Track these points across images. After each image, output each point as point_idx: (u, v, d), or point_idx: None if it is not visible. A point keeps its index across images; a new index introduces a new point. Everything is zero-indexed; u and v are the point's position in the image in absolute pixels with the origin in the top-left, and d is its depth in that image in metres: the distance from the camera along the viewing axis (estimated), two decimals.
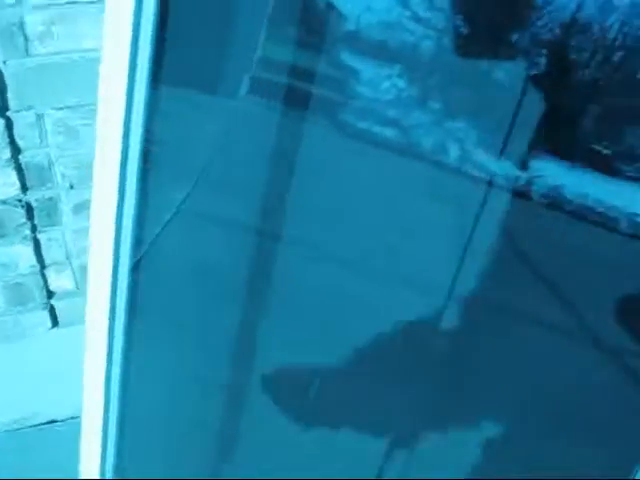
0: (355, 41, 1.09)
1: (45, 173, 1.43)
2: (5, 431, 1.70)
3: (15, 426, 1.70)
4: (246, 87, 1.15)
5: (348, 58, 1.10)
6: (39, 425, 1.78)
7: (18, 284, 1.57)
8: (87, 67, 1.31)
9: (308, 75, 1.13)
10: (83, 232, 1.52)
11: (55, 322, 1.70)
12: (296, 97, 1.14)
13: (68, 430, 1.75)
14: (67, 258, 1.58)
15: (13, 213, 1.45)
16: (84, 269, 1.59)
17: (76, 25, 1.30)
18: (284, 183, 1.14)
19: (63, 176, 1.44)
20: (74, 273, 1.62)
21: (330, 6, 1.11)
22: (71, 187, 1.45)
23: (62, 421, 1.78)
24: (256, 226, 1.16)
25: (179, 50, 1.02)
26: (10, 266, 1.53)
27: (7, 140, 1.35)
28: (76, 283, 1.64)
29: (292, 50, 1.13)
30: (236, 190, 1.13)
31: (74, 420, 1.73)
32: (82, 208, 1.48)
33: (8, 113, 1.33)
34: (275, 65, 1.15)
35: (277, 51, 1.16)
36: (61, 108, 1.37)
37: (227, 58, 1.14)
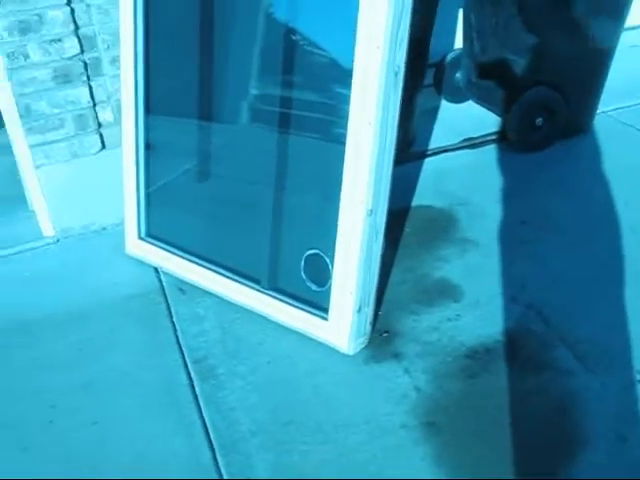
0: None
1: (92, 40, 2.54)
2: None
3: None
4: None
5: None
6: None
7: (81, 115, 2.68)
8: None
9: None
10: (116, 78, 2.61)
11: (103, 146, 2.80)
12: None
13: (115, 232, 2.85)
14: (108, 98, 2.68)
15: (76, 66, 2.56)
16: (118, 106, 2.68)
17: None
18: None
19: (103, 41, 2.54)
20: (112, 109, 2.72)
21: None
22: (108, 48, 2.55)
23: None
24: None
25: None
26: (76, 102, 2.64)
27: (71, 20, 2.45)
28: (114, 116, 2.73)
29: None
30: None
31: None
32: (115, 61, 2.57)
33: (72, 5, 2.44)
34: None
35: None
36: None
37: None
